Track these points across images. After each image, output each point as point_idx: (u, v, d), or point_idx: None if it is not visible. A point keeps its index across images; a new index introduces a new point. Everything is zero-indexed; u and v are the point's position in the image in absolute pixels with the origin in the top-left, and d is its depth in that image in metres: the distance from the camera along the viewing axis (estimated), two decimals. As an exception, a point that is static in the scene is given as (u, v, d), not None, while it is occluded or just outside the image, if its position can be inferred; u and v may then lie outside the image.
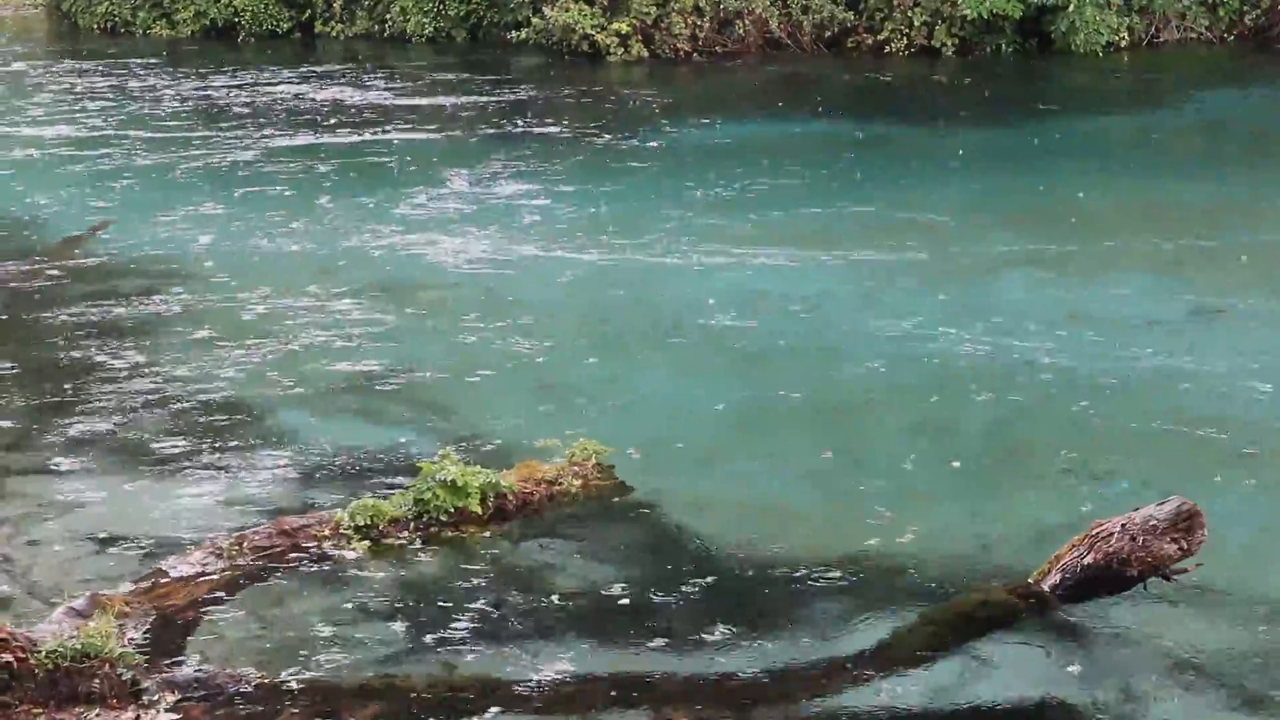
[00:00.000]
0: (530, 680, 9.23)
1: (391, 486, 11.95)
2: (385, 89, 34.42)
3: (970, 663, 9.51)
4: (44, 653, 8.92)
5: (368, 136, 28.86)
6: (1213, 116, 30.00)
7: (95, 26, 46.92)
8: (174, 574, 10.52)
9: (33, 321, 17.24)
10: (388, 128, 29.69)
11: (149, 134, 29.59)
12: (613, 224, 21.21)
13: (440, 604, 10.27)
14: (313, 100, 33.14)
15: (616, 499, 11.97)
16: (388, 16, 42.39)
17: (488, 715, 8.91)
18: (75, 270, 19.54)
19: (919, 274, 18.33)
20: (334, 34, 43.40)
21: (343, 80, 35.97)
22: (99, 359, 15.76)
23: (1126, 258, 18.98)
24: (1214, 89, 32.67)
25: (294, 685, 9.17)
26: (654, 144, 27.56)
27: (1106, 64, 35.29)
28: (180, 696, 8.99)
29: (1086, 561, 9.86)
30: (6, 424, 13.96)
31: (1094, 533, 9.94)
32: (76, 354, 15.95)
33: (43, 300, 18.15)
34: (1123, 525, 9.84)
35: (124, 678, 8.99)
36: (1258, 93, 32.12)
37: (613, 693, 9.13)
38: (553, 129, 29.34)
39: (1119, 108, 30.76)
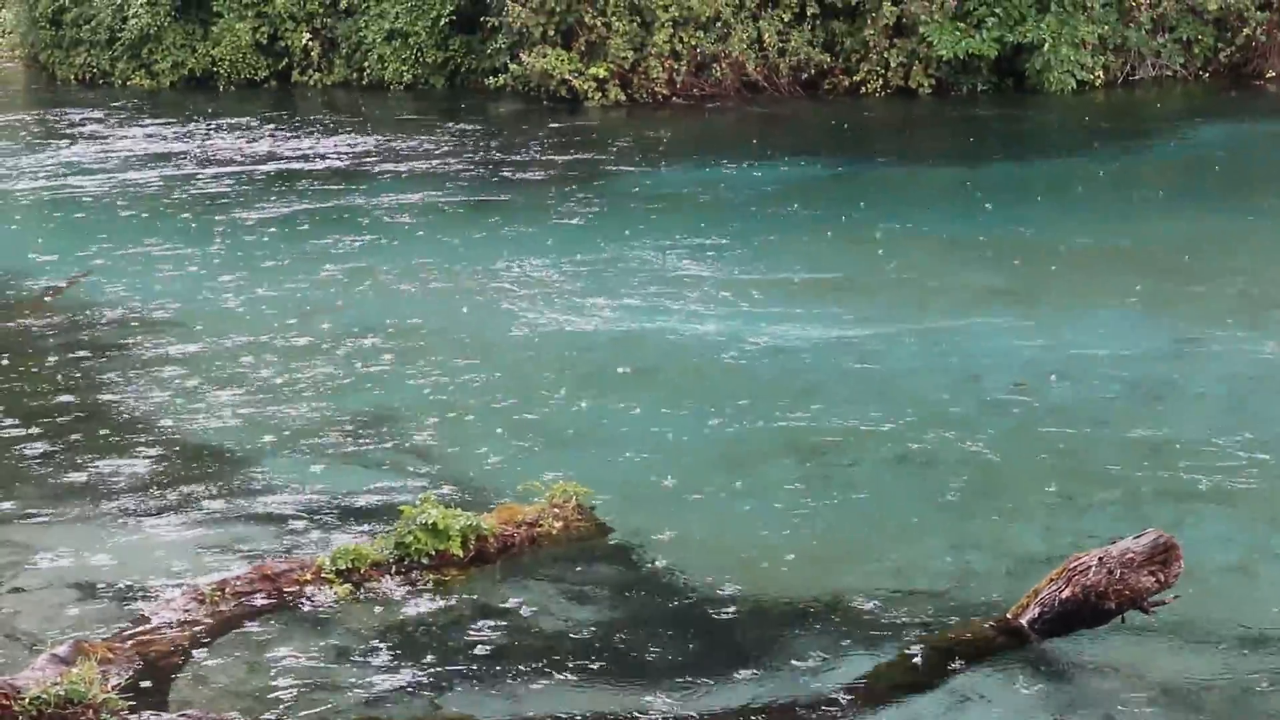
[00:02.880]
0: (513, 720, 9.29)
1: (373, 530, 12.02)
2: (364, 138, 34.51)
3: (950, 697, 9.58)
4: (28, 699, 8.96)
5: (349, 187, 28.91)
6: (1189, 151, 30.22)
7: (74, 77, 46.97)
8: (157, 620, 10.56)
9: (11, 371, 17.27)
10: (369, 178, 29.76)
11: (127, 185, 29.67)
12: (589, 271, 21.27)
13: (422, 646, 10.33)
14: (292, 150, 33.22)
15: (597, 540, 12.05)
16: (365, 64, 42.49)
17: (471, 755, 8.97)
18: (54, 320, 19.58)
19: (896, 313, 18.44)
20: (311, 82, 43.54)
21: (321, 129, 36.07)
22: (79, 407, 15.81)
23: (1105, 293, 19.10)
24: (1190, 125, 32.89)
25: (277, 729, 9.23)
26: (630, 190, 27.67)
27: (1082, 102, 35.56)
28: (164, 742, 9.04)
29: (1064, 595, 9.95)
30: (-12, 474, 14.03)
31: (1071, 566, 10.02)
32: (57, 402, 15.99)
33: (22, 350, 18.19)
34: (1100, 559, 9.92)
35: (108, 725, 9.03)
36: (1233, 127, 32.37)
37: (596, 732, 9.20)
38: (532, 176, 29.47)
39: (1096, 145, 30.96)
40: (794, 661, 10.01)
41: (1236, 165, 28.39)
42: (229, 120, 37.78)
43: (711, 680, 9.80)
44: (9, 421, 15.44)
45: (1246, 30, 37.27)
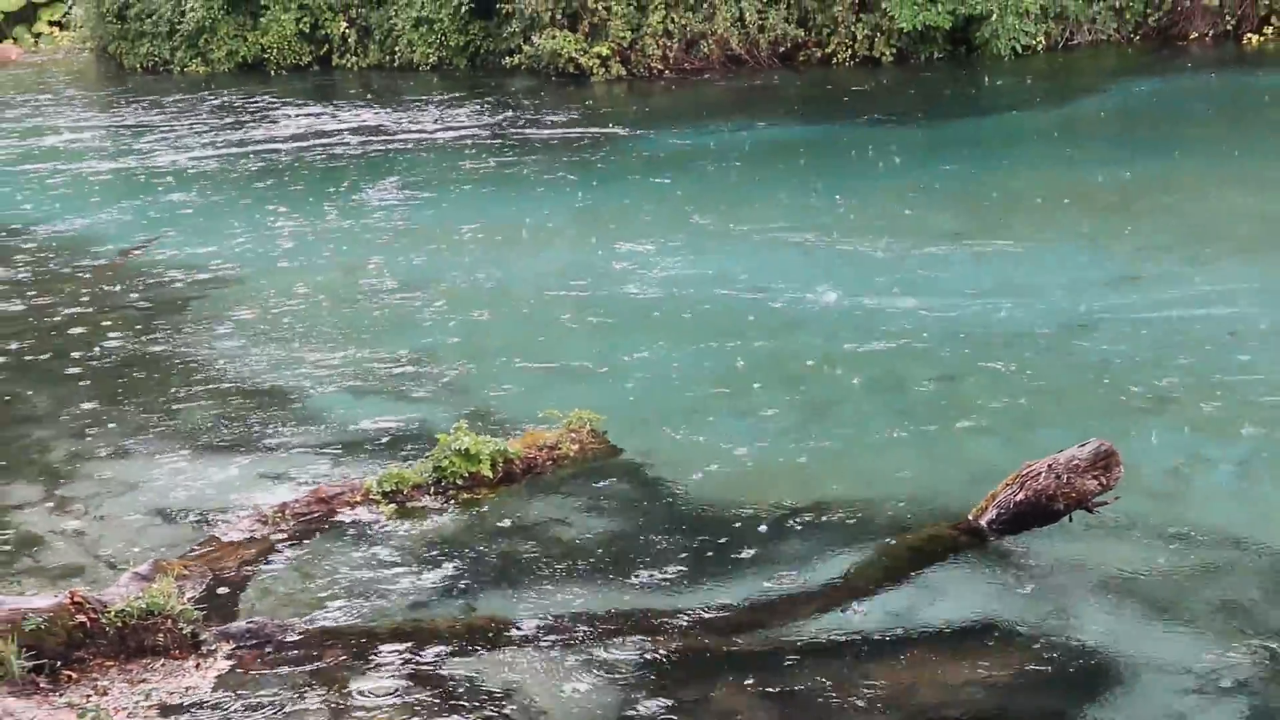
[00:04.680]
0: (539, 619, 9.31)
1: (414, 456, 12.04)
2: (401, 112, 34.34)
3: (921, 589, 9.60)
4: (113, 613, 9.00)
5: (392, 156, 28.83)
6: (1124, 105, 29.95)
7: (139, 66, 46.70)
8: (226, 540, 10.61)
9: (94, 323, 17.28)
10: (409, 148, 29.63)
11: (191, 161, 29.57)
12: (595, 220, 21.22)
13: (458, 556, 10.36)
14: (338, 124, 33.05)
15: (609, 460, 12.06)
16: (396, 48, 42.26)
17: (503, 650, 9.00)
18: (129, 279, 19.56)
19: (868, 252, 18.37)
20: (349, 65, 43.29)
21: (362, 105, 35.88)
22: (154, 355, 15.82)
23: (1053, 232, 19.00)
24: (1123, 82, 32.56)
25: (333, 631, 9.26)
26: (634, 153, 27.54)
27: (1026, 66, 35.21)
28: (235, 646, 9.07)
29: (1018, 498, 9.95)
30: (77, 414, 14.02)
31: (1024, 473, 10.02)
32: (135, 351, 16.01)
33: (102, 305, 18.19)
34: (1049, 465, 9.92)
35: (184, 632, 9.06)
36: (1162, 82, 32.05)
37: (611, 627, 9.21)
38: (546, 138, 29.32)
39: (1040, 102, 30.77)
40: (785, 562, 10.02)
41: (1166, 115, 28.19)
42: (279, 100, 37.57)
43: (708, 579, 9.82)
44: (93, 369, 15.47)
45: (1172, -4, 36.88)
